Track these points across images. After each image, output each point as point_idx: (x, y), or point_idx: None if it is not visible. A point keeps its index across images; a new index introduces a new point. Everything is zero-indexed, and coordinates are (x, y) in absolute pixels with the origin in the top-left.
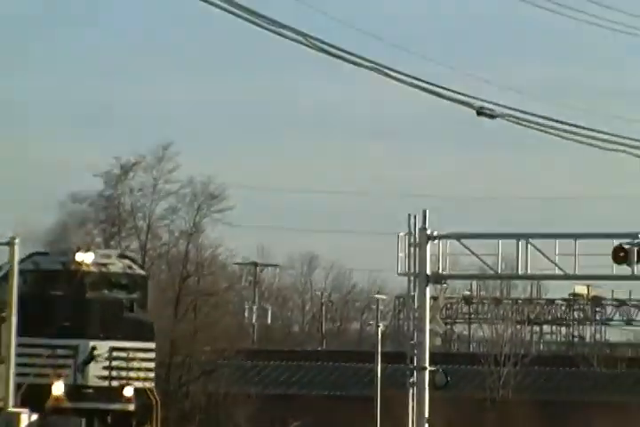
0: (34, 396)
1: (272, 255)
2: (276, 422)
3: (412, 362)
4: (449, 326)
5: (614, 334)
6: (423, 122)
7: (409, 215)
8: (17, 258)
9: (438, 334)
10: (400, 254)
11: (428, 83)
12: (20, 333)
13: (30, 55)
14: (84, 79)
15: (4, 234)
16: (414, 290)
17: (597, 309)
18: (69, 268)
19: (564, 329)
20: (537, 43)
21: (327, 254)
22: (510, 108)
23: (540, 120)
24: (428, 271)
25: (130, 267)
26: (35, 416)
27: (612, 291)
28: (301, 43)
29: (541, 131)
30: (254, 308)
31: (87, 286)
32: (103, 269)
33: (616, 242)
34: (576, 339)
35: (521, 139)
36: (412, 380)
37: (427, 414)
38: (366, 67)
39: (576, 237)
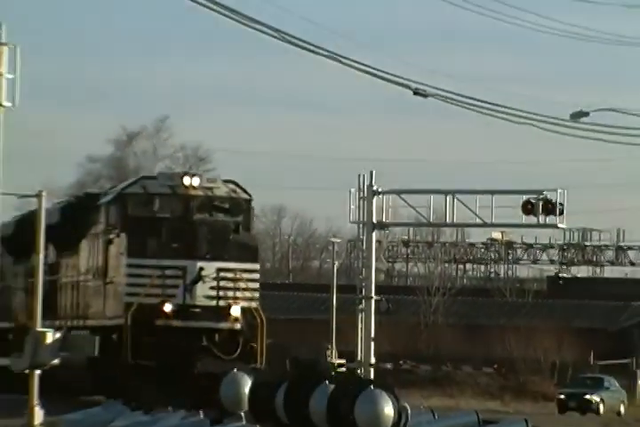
0: (144, 315)
1: None
2: None
3: (360, 293)
4: (390, 264)
5: (523, 271)
6: (370, 101)
7: (359, 175)
8: (44, 209)
9: (382, 271)
10: (352, 206)
11: (376, 69)
12: (130, 254)
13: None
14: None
15: (34, 187)
16: (363, 235)
17: (509, 251)
18: (177, 191)
19: (482, 267)
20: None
21: (293, 206)
22: (439, 89)
23: (463, 99)
24: (374, 220)
25: (234, 191)
26: (58, 335)
27: (522, 236)
28: (275, 37)
29: (464, 107)
30: None
31: (194, 209)
32: (209, 193)
33: (525, 197)
34: (492, 275)
35: (451, 113)
36: (360, 307)
37: (372, 335)
38: (324, 55)
39: (493, 193)
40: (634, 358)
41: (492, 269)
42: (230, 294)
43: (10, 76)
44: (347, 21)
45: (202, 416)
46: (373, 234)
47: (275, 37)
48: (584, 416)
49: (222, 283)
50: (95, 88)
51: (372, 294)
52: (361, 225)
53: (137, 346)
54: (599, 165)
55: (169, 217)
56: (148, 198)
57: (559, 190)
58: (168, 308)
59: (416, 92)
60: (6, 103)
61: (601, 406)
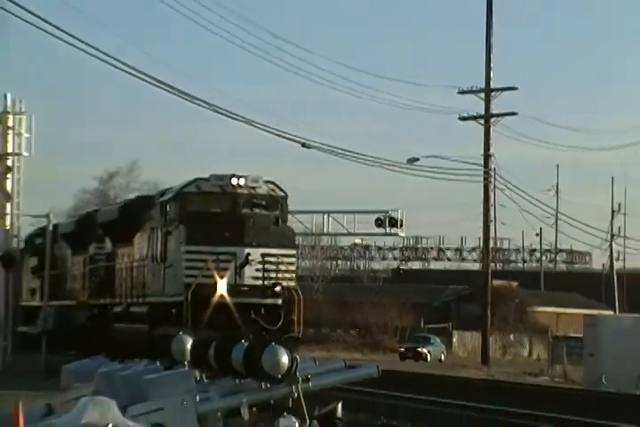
0: (201, 293)
1: None
2: None
3: None
4: None
5: (376, 265)
6: (270, 151)
7: None
8: (51, 224)
9: None
10: None
11: (276, 129)
12: (189, 242)
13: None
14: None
15: (43, 211)
16: None
17: (367, 251)
18: (226, 190)
19: (348, 262)
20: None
21: None
22: (319, 143)
23: (335, 149)
24: None
25: (273, 190)
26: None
27: (375, 242)
28: (206, 108)
29: (336, 155)
30: None
31: (241, 205)
32: (252, 191)
33: (376, 215)
34: (355, 268)
35: (328, 160)
36: None
37: None
38: (242, 121)
39: (355, 212)
40: (450, 323)
41: (355, 264)
42: (273, 275)
43: (27, 135)
44: (255, 96)
45: (158, 364)
46: None
47: (206, 108)
48: (417, 363)
49: (266, 266)
50: (85, 143)
51: None
52: None
53: (195, 319)
54: (422, 194)
55: (220, 211)
56: (202, 196)
57: (399, 210)
58: (222, 287)
59: (303, 145)
60: (25, 153)
61: (428, 356)
